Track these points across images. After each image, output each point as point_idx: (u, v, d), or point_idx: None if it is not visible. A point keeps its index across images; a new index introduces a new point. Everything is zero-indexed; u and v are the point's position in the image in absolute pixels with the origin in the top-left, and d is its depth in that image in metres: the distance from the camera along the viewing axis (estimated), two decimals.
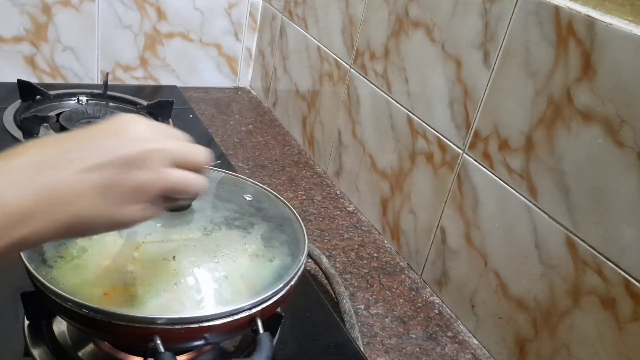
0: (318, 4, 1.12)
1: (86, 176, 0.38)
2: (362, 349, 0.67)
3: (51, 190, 0.36)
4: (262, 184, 0.70)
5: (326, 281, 0.79)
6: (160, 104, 1.08)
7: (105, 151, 0.39)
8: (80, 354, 0.59)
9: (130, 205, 0.41)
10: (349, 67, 1.03)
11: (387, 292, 0.83)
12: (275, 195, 0.68)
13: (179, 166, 0.43)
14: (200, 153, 0.46)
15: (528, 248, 0.69)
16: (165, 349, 0.49)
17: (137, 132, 0.41)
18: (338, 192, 1.06)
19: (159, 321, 0.49)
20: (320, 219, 0.96)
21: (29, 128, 0.94)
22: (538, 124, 0.67)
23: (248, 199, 0.68)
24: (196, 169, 0.45)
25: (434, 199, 0.84)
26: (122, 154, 0.40)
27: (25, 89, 1.04)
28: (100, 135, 0.41)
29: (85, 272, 0.54)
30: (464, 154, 0.78)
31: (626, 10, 0.59)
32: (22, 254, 0.53)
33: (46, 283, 0.50)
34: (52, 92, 1.07)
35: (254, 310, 0.53)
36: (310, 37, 1.15)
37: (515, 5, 0.69)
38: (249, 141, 1.18)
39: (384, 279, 0.85)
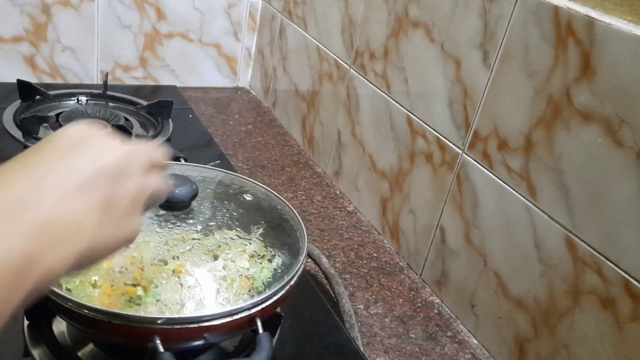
0: (318, 4, 1.12)
1: (79, 199, 0.33)
2: (361, 348, 0.67)
3: (46, 226, 0.31)
4: (262, 184, 0.70)
5: (326, 281, 0.79)
6: (160, 104, 1.08)
7: (87, 165, 0.34)
8: (80, 354, 0.59)
9: (131, 218, 0.37)
10: (348, 67, 1.03)
11: (386, 292, 0.83)
12: (275, 195, 0.68)
13: (150, 167, 0.40)
14: (160, 150, 0.43)
15: (527, 248, 0.69)
16: (165, 349, 0.49)
17: (98, 141, 0.37)
18: (338, 192, 1.06)
19: (159, 321, 0.49)
20: (320, 219, 0.96)
21: (29, 128, 0.94)
22: (537, 123, 0.67)
23: (248, 199, 0.68)
24: (160, 167, 0.42)
25: (433, 199, 0.84)
26: (105, 165, 0.35)
27: (24, 89, 1.04)
28: (65, 151, 0.35)
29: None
30: (464, 154, 0.78)
31: (625, 10, 0.59)
32: None
33: None
34: (51, 92, 1.07)
35: (253, 310, 0.53)
36: (309, 37, 1.15)
37: (515, 5, 0.69)
38: (248, 141, 1.18)
39: (383, 279, 0.85)
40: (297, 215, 0.65)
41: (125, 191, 0.36)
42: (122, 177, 0.36)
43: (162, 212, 0.60)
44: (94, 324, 0.50)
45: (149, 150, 0.41)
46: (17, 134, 0.95)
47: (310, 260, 0.81)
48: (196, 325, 0.50)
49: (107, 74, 1.14)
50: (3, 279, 0.28)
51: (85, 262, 0.34)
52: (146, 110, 1.09)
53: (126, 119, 1.05)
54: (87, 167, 0.34)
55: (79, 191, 0.33)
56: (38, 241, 0.30)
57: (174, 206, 0.59)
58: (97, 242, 0.34)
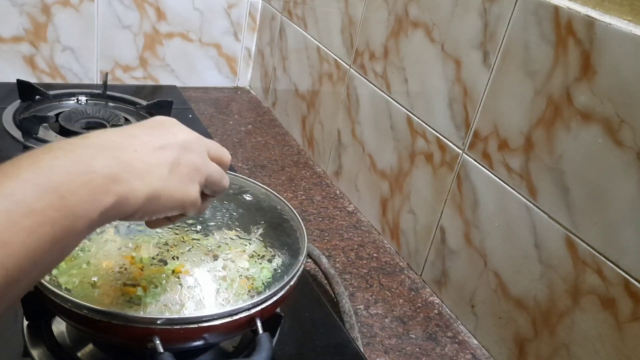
0: (318, 4, 1.12)
1: (155, 154, 0.43)
2: (361, 349, 0.67)
3: (128, 164, 0.41)
4: (262, 184, 0.70)
5: (326, 281, 0.79)
6: (160, 104, 1.08)
7: (164, 136, 0.45)
8: (79, 354, 0.59)
9: (192, 185, 0.46)
10: (348, 67, 1.03)
11: (386, 292, 0.83)
12: (275, 195, 0.68)
13: (212, 159, 0.49)
14: (227, 152, 0.52)
15: (527, 248, 0.69)
16: (165, 349, 0.49)
17: (177, 125, 0.48)
18: (338, 192, 1.06)
19: (159, 321, 0.49)
20: (320, 219, 0.96)
21: (29, 128, 0.94)
22: (537, 123, 0.67)
23: (248, 199, 0.68)
24: (223, 166, 0.50)
25: (433, 199, 0.84)
26: (177, 139, 0.46)
27: (24, 89, 1.04)
28: (150, 127, 0.47)
29: (85, 272, 0.54)
30: (464, 154, 0.78)
31: (625, 10, 0.59)
32: None
33: (46, 283, 0.50)
34: (51, 92, 1.07)
35: (253, 311, 0.53)
36: (309, 37, 1.15)
37: (515, 5, 0.69)
38: (248, 141, 1.18)
39: (383, 279, 0.85)
40: (297, 215, 0.65)
41: (189, 159, 0.46)
42: (188, 150, 0.46)
43: None
44: (93, 324, 0.50)
45: (214, 144, 0.50)
46: (17, 134, 0.95)
47: (310, 260, 0.81)
48: (196, 326, 0.50)
49: (107, 74, 1.13)
50: (92, 185, 0.37)
51: (150, 207, 0.43)
52: (146, 110, 1.09)
53: (126, 119, 1.05)
54: (164, 137, 0.45)
55: (155, 150, 0.44)
56: (121, 170, 0.40)
57: None
58: (162, 190, 0.43)
